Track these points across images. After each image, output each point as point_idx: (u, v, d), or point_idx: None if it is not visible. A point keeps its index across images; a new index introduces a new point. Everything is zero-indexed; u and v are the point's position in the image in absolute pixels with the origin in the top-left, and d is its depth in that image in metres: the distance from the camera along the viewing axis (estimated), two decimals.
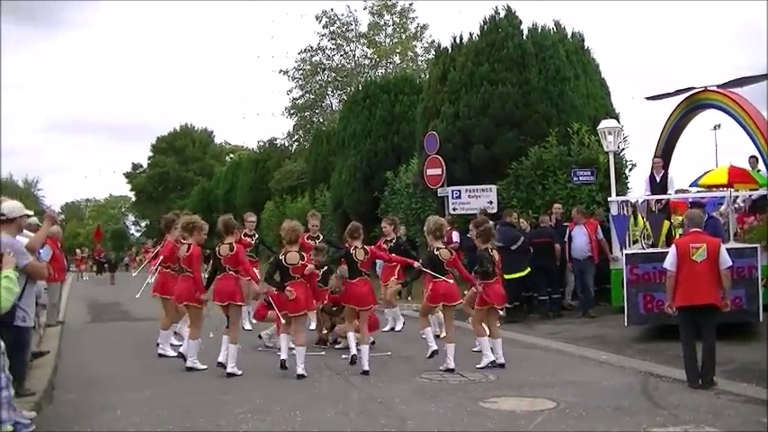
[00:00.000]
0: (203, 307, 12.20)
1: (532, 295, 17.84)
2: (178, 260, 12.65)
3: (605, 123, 17.47)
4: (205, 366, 12.02)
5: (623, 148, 20.97)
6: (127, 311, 23.53)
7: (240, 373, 11.55)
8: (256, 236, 16.54)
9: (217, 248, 12.07)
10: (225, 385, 10.73)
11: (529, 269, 16.97)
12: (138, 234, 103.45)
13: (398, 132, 28.97)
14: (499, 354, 11.96)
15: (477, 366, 11.69)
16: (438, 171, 22.14)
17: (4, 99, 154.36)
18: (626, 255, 14.05)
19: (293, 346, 11.72)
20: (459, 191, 21.25)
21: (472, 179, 21.19)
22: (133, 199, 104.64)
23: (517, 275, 16.92)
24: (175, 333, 14.14)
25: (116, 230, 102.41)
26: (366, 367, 11.51)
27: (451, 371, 11.47)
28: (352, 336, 12.14)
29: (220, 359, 11.67)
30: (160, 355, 13.34)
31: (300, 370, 11.27)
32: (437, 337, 13.08)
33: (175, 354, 12.94)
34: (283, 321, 11.80)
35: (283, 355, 11.59)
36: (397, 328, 15.77)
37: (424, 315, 12.83)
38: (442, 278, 11.85)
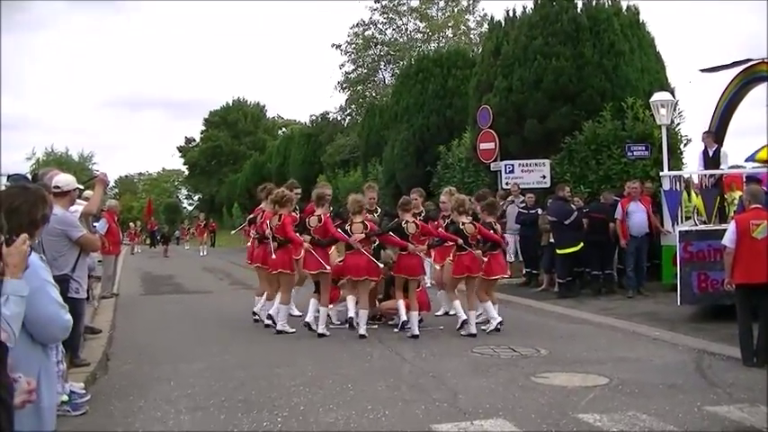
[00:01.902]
0: (295, 273, 13.03)
1: (584, 270, 17.70)
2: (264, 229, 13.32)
3: (658, 96, 17.16)
4: (294, 330, 12.81)
5: (678, 123, 20.67)
6: (180, 284, 23.91)
7: (328, 333, 12.43)
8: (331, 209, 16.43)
9: (307, 219, 12.79)
10: (278, 358, 10.81)
11: (582, 244, 16.85)
12: (190, 208, 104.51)
13: (451, 106, 28.81)
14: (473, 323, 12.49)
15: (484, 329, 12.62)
16: (491, 145, 22.03)
17: (61, 76, 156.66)
18: (679, 232, 13.40)
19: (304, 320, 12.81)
20: (513, 165, 21.13)
21: (525, 153, 21.05)
22: (186, 173, 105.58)
23: (570, 250, 16.83)
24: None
25: (169, 204, 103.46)
26: (416, 332, 12.11)
27: (473, 335, 12.16)
28: (402, 303, 12.48)
29: (308, 319, 12.63)
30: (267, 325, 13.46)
31: (362, 331, 12.16)
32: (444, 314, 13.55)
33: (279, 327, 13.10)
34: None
35: (351, 313, 12.50)
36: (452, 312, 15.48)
37: (451, 288, 13.15)
38: (467, 251, 12.46)
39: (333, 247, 13.58)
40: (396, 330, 12.75)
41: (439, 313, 14.32)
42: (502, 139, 21.69)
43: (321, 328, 12.48)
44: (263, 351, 11.44)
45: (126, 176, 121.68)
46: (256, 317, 13.96)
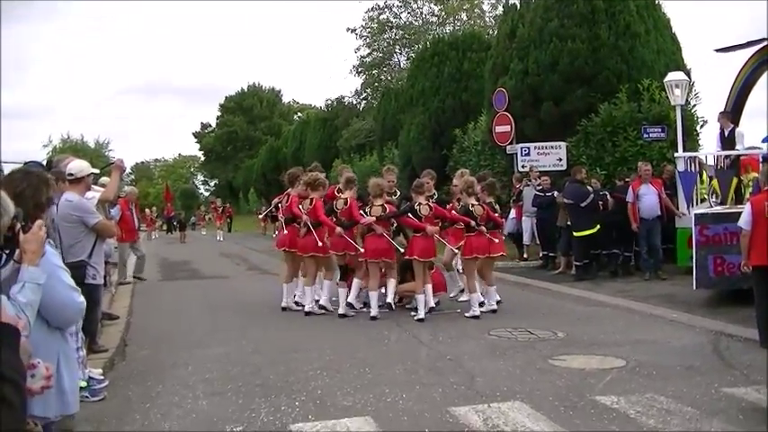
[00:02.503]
0: (330, 254, 13.25)
1: (601, 252, 17.66)
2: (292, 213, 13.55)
3: (672, 76, 16.99)
4: (323, 311, 13.22)
5: (694, 105, 20.56)
6: (197, 270, 23.98)
7: (352, 314, 12.92)
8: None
9: (334, 202, 13.09)
10: (295, 343, 10.84)
11: (598, 227, 16.80)
12: (206, 193, 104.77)
13: (467, 89, 28.81)
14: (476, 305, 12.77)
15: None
16: (507, 128, 22.01)
17: (76, 64, 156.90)
18: (695, 215, 13.11)
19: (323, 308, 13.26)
20: (529, 148, 21.12)
21: (541, 136, 21.03)
22: (202, 158, 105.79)
23: (586, 233, 16.77)
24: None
25: (185, 190, 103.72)
26: (432, 304, 12.71)
27: (494, 310, 12.76)
28: (421, 298, 12.51)
29: (350, 300, 13.03)
30: (297, 303, 13.77)
31: (374, 312, 12.48)
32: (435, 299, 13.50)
33: (307, 308, 13.30)
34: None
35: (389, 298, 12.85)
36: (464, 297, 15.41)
37: (471, 278, 13.13)
38: (475, 232, 12.75)
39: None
40: (412, 314, 12.70)
41: (452, 295, 14.37)
42: (518, 122, 21.69)
43: (342, 309, 12.84)
44: (279, 336, 11.48)
45: (142, 163, 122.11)
46: (300, 307, 13.80)
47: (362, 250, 12.70)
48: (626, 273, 17.20)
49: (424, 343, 10.61)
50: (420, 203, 12.63)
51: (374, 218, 12.61)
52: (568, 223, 17.38)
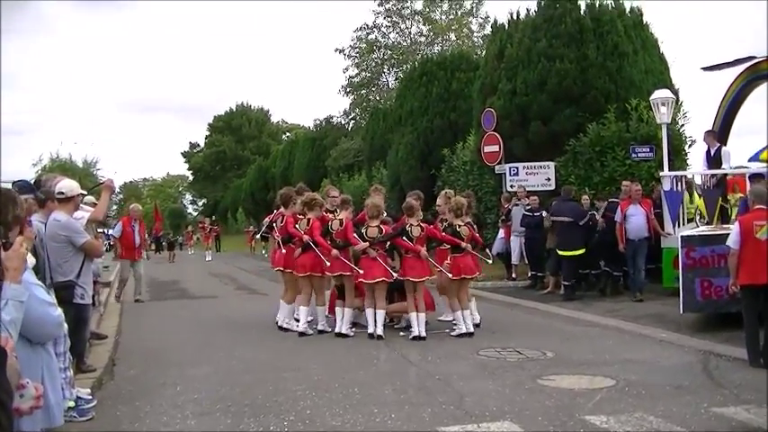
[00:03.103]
0: (325, 276, 13.19)
1: (590, 272, 17.74)
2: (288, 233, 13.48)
3: (658, 94, 16.88)
4: (312, 332, 13.16)
5: (683, 124, 20.63)
6: (185, 289, 23.92)
7: (352, 334, 12.85)
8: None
9: (330, 223, 13.11)
10: (285, 362, 10.81)
11: (584, 249, 16.92)
12: (195, 213, 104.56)
13: (455, 109, 28.83)
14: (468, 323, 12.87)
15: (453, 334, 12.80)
16: (495, 148, 22.06)
17: (65, 81, 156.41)
18: (681, 237, 12.73)
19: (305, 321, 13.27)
20: (517, 168, 21.17)
21: (530, 156, 21.05)
22: (190, 178, 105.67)
23: (575, 253, 16.82)
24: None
25: (173, 209, 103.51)
26: (422, 333, 12.38)
27: (470, 335, 12.56)
28: (414, 316, 12.59)
29: (337, 330, 12.95)
30: (283, 329, 13.63)
31: (380, 331, 12.51)
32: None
33: (300, 329, 13.27)
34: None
35: (370, 329, 12.69)
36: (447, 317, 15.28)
37: (444, 290, 13.45)
38: (462, 253, 12.83)
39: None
40: (402, 334, 12.81)
41: (442, 318, 14.35)
42: (506, 142, 21.72)
43: (346, 329, 12.84)
44: (269, 355, 11.43)
45: (131, 182, 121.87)
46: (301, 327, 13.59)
47: (360, 271, 12.68)
48: (615, 292, 17.23)
49: (413, 363, 10.59)
50: (411, 225, 12.65)
51: (367, 243, 12.62)
52: (550, 244, 17.47)
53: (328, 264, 12.76)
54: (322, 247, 12.87)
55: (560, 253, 17.18)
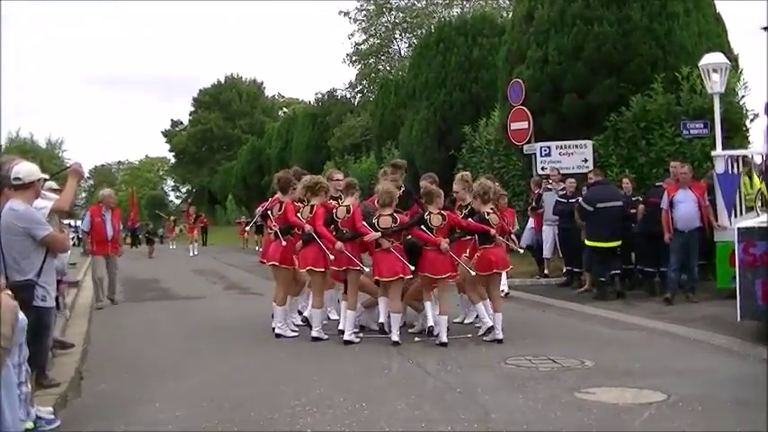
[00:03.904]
0: (327, 271, 13.15)
1: (635, 267, 17.63)
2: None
3: (709, 59, 16.63)
4: (327, 337, 13.04)
5: (743, 95, 20.39)
6: (167, 289, 23.87)
7: (358, 340, 12.73)
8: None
9: (334, 211, 13.03)
10: (281, 373, 10.74)
11: (620, 242, 16.86)
12: (178, 201, 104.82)
13: (477, 81, 28.80)
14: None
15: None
16: (524, 125, 21.96)
17: (28, 51, 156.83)
18: (738, 229, 12.18)
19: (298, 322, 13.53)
20: (549, 147, 21.07)
21: (564, 133, 20.94)
22: (172, 161, 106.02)
23: (601, 245, 16.67)
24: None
25: (153, 197, 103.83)
26: (444, 339, 12.22)
27: (500, 341, 12.37)
28: (429, 305, 12.51)
29: (341, 327, 12.92)
30: (277, 336, 13.48)
31: (395, 337, 12.32)
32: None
33: (294, 334, 13.40)
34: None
35: (382, 318, 12.78)
36: (468, 320, 14.78)
37: (472, 290, 13.08)
38: (492, 243, 12.73)
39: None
40: (417, 339, 12.72)
41: (456, 320, 14.24)
42: (536, 118, 21.62)
43: (348, 334, 12.65)
44: (263, 365, 11.34)
45: (102, 166, 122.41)
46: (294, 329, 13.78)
47: (366, 269, 12.64)
48: (651, 292, 17.07)
49: (429, 373, 10.49)
50: (430, 212, 12.51)
51: (379, 234, 12.48)
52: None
53: (332, 257, 12.67)
54: (325, 239, 12.78)
55: (588, 244, 17.02)
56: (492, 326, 12.52)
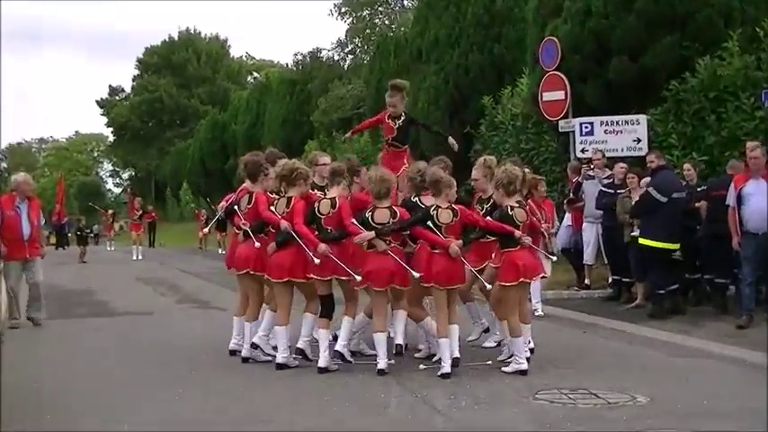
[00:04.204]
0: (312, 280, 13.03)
1: (701, 278, 17.58)
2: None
3: None
4: (297, 363, 13.06)
5: None
6: (104, 302, 23.88)
7: (336, 368, 12.75)
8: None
9: (317, 204, 12.96)
10: (251, 410, 10.70)
11: (678, 244, 16.78)
12: (117, 190, 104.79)
13: (500, 39, 28.85)
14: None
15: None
16: (560, 95, 21.98)
17: None
18: None
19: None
20: (591, 124, 21.10)
21: (611, 106, 20.98)
22: (110, 139, 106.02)
23: (665, 246, 16.59)
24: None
25: (85, 184, 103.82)
26: (456, 354, 12.29)
27: (524, 372, 12.29)
28: (445, 343, 12.37)
29: (339, 347, 12.88)
30: (245, 360, 13.56)
31: (382, 364, 12.35)
32: None
33: (267, 358, 13.40)
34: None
35: (399, 339, 12.91)
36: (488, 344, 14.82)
37: (498, 303, 13.09)
38: (517, 246, 12.55)
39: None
40: (423, 367, 12.69)
41: (470, 338, 14.23)
42: (576, 86, 21.61)
43: (323, 361, 12.63)
44: (230, 400, 11.28)
45: (19, 144, 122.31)
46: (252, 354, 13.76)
47: (358, 278, 12.55)
48: (721, 310, 16.93)
49: (438, 410, 10.46)
50: (439, 207, 12.45)
51: (372, 233, 12.44)
52: (633, 234, 17.26)
53: (317, 261, 12.56)
54: (306, 239, 12.70)
55: (645, 243, 16.87)
56: (524, 369, 12.36)
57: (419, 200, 13.32)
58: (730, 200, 15.83)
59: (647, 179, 17.31)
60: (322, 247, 12.50)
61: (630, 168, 18.63)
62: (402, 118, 14.35)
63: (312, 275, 12.86)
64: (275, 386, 12.01)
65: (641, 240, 16.99)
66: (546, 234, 14.80)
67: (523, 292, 13.06)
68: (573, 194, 20.43)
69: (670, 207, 16.65)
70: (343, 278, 12.80)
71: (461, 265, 12.57)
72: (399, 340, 12.85)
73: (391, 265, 12.45)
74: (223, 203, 14.68)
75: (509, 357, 12.68)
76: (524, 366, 12.32)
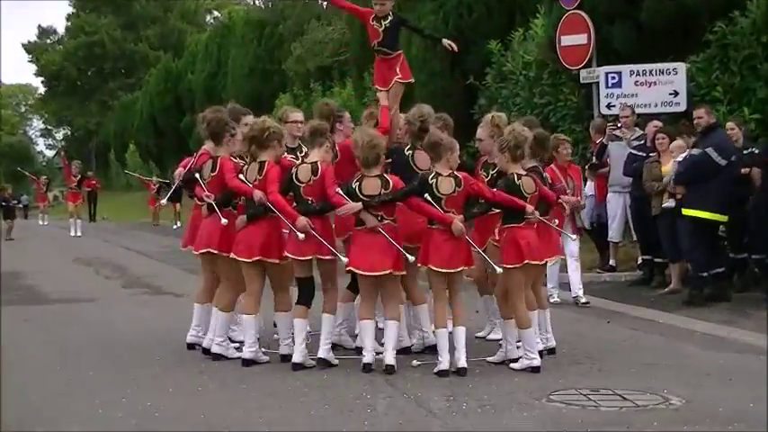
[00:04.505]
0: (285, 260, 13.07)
1: (749, 257, 17.67)
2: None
3: None
4: (267, 359, 13.20)
5: None
6: (35, 287, 23.86)
7: (311, 364, 12.75)
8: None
9: (294, 171, 12.82)
10: (220, 415, 10.70)
11: (726, 216, 16.79)
12: (50, 153, 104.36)
13: None
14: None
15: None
16: (581, 39, 21.99)
17: None
18: None
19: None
20: (619, 73, 21.11)
21: (641, 53, 20.99)
22: (41, 90, 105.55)
23: (711, 217, 16.62)
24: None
25: (11, 146, 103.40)
26: (463, 363, 12.23)
27: (536, 369, 12.38)
28: (444, 334, 12.41)
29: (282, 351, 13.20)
30: (215, 356, 13.52)
31: (369, 357, 12.47)
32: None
33: (237, 354, 13.44)
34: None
35: (367, 354, 12.59)
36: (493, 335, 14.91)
37: (505, 296, 12.99)
38: (523, 221, 12.54)
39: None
40: (416, 363, 12.73)
41: (480, 334, 14.31)
42: (600, 29, 21.62)
43: (299, 355, 12.72)
44: (188, 404, 11.31)
45: None
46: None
47: (344, 259, 12.59)
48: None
49: (435, 414, 10.56)
50: (438, 175, 12.39)
51: (360, 205, 12.38)
52: (667, 203, 17.34)
53: (301, 236, 12.50)
54: (284, 212, 12.66)
55: (686, 213, 16.88)
56: (537, 365, 12.40)
57: (413, 157, 13.30)
58: None
59: (678, 141, 17.35)
60: (302, 220, 12.42)
61: (662, 128, 18.63)
62: (389, 18, 14.27)
63: (289, 255, 12.81)
64: (241, 386, 12.02)
65: (685, 211, 16.83)
66: (567, 207, 14.88)
67: (529, 278, 12.85)
68: (596, 158, 20.43)
69: (727, 172, 16.60)
70: (326, 257, 12.74)
71: (466, 245, 12.51)
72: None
73: (385, 246, 12.36)
74: (180, 170, 14.60)
75: (514, 361, 12.68)
76: (537, 363, 12.35)
